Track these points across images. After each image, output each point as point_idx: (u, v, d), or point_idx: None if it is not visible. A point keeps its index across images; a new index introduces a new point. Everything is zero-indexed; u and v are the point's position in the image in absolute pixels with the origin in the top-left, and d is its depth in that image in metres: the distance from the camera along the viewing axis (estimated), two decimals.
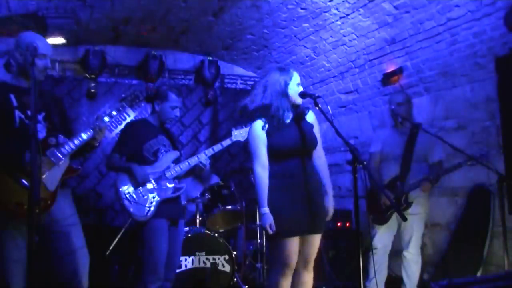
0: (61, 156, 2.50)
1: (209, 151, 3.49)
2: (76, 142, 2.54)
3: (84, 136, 2.56)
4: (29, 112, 2.46)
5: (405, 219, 2.45)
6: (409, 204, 3.65)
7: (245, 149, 5.88)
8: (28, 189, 2.19)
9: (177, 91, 3.47)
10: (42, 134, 2.52)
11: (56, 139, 2.52)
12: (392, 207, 3.69)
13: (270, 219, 2.66)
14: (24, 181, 2.38)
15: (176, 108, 3.39)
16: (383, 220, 3.78)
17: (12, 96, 2.49)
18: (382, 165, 3.87)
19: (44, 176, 2.42)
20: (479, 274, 3.82)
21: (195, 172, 3.61)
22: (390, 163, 3.80)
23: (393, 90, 4.88)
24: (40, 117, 2.55)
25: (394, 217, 3.79)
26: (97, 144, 2.68)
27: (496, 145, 3.93)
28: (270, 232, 2.65)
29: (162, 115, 3.40)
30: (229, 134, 3.66)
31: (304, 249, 2.78)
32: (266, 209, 2.68)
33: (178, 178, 3.40)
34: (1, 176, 2.36)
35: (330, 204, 2.87)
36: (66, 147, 2.51)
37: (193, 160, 3.42)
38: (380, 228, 3.82)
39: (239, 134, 3.63)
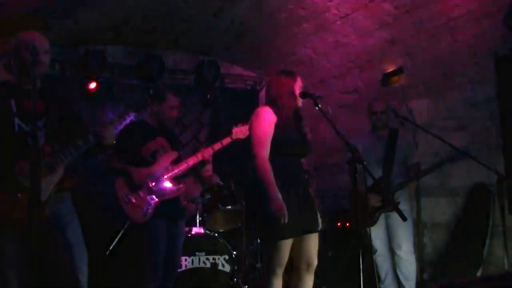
0: (55, 166, 2.46)
1: (207, 152, 3.48)
2: (72, 151, 2.48)
3: (81, 143, 2.50)
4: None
5: (405, 219, 2.46)
6: (396, 204, 3.70)
7: (246, 149, 5.89)
8: (18, 201, 2.27)
9: (174, 90, 3.47)
10: (40, 142, 2.41)
11: (52, 148, 2.48)
12: (380, 208, 3.80)
13: (284, 205, 2.55)
14: (16, 192, 2.35)
15: (174, 108, 3.39)
16: (372, 222, 3.81)
17: (12, 102, 2.46)
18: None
19: None
20: (479, 274, 3.82)
21: (195, 172, 3.60)
22: (371, 166, 3.84)
23: (393, 90, 4.88)
24: (40, 124, 2.51)
25: (381, 219, 3.85)
26: (107, 143, 2.60)
27: (496, 145, 3.93)
28: (285, 216, 2.53)
29: (161, 116, 3.40)
30: (229, 133, 3.64)
31: (305, 251, 2.78)
32: (280, 195, 2.58)
33: (177, 178, 3.40)
34: None
35: None
36: (62, 156, 2.47)
37: (191, 160, 3.42)
38: (373, 230, 3.84)
39: (239, 132, 3.61)
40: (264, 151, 2.68)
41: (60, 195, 2.54)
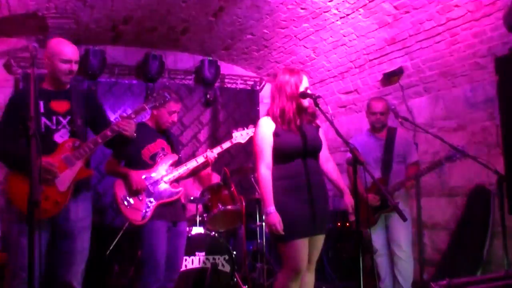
0: (74, 160, 2.64)
1: (209, 153, 3.48)
2: (91, 146, 2.67)
3: (100, 139, 2.68)
4: (54, 118, 2.67)
5: (405, 219, 2.45)
6: (396, 205, 3.68)
7: (246, 149, 5.89)
8: (43, 193, 2.48)
9: (176, 95, 3.46)
10: (63, 138, 2.67)
11: (73, 144, 2.66)
12: (380, 208, 3.77)
13: (277, 218, 2.61)
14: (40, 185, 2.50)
15: (174, 113, 3.38)
16: (372, 222, 3.80)
17: (41, 103, 2.66)
18: (362, 168, 3.90)
19: (57, 179, 2.58)
20: (479, 274, 3.82)
21: (195, 173, 3.60)
22: (370, 166, 3.84)
23: (393, 90, 4.88)
24: (65, 121, 2.70)
25: (381, 219, 3.84)
26: (132, 135, 2.76)
27: (496, 145, 3.93)
28: (279, 231, 2.59)
29: (159, 119, 3.39)
30: (229, 136, 3.65)
31: (309, 251, 2.75)
32: (272, 208, 2.63)
33: (177, 181, 3.39)
34: (22, 178, 2.47)
35: (350, 200, 2.88)
36: (81, 151, 2.65)
37: (191, 164, 3.42)
38: (373, 230, 3.83)
39: (239, 136, 3.62)
40: (263, 164, 2.73)
41: (81, 195, 2.70)
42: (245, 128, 3.64)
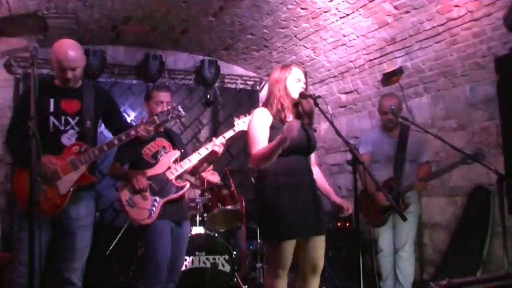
0: (78, 165, 2.66)
1: (211, 146, 3.41)
2: (96, 152, 2.69)
3: (105, 146, 2.70)
4: (63, 118, 2.68)
5: (405, 219, 2.45)
6: (406, 206, 3.67)
7: (246, 150, 5.90)
8: (46, 193, 2.52)
9: (165, 87, 3.44)
10: (71, 140, 2.69)
11: (79, 147, 2.68)
12: (390, 208, 3.71)
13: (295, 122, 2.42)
14: (42, 184, 2.54)
15: (162, 103, 3.30)
16: (381, 222, 3.77)
17: (51, 101, 2.68)
18: (374, 166, 3.87)
19: (59, 181, 2.61)
20: (479, 274, 3.82)
21: (200, 167, 3.52)
22: (381, 164, 3.80)
23: (393, 90, 4.88)
24: (73, 122, 2.71)
25: (389, 218, 3.81)
26: (145, 139, 2.82)
27: (496, 145, 3.93)
28: (290, 135, 2.38)
29: (150, 114, 3.32)
30: (231, 124, 3.47)
31: (310, 253, 2.71)
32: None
33: (180, 177, 3.37)
34: (26, 177, 2.44)
35: (342, 201, 2.84)
36: (86, 156, 2.67)
37: (194, 158, 3.35)
38: (381, 230, 3.82)
39: (242, 124, 3.42)
40: (257, 150, 2.62)
41: (83, 194, 2.72)
42: (247, 115, 3.49)
